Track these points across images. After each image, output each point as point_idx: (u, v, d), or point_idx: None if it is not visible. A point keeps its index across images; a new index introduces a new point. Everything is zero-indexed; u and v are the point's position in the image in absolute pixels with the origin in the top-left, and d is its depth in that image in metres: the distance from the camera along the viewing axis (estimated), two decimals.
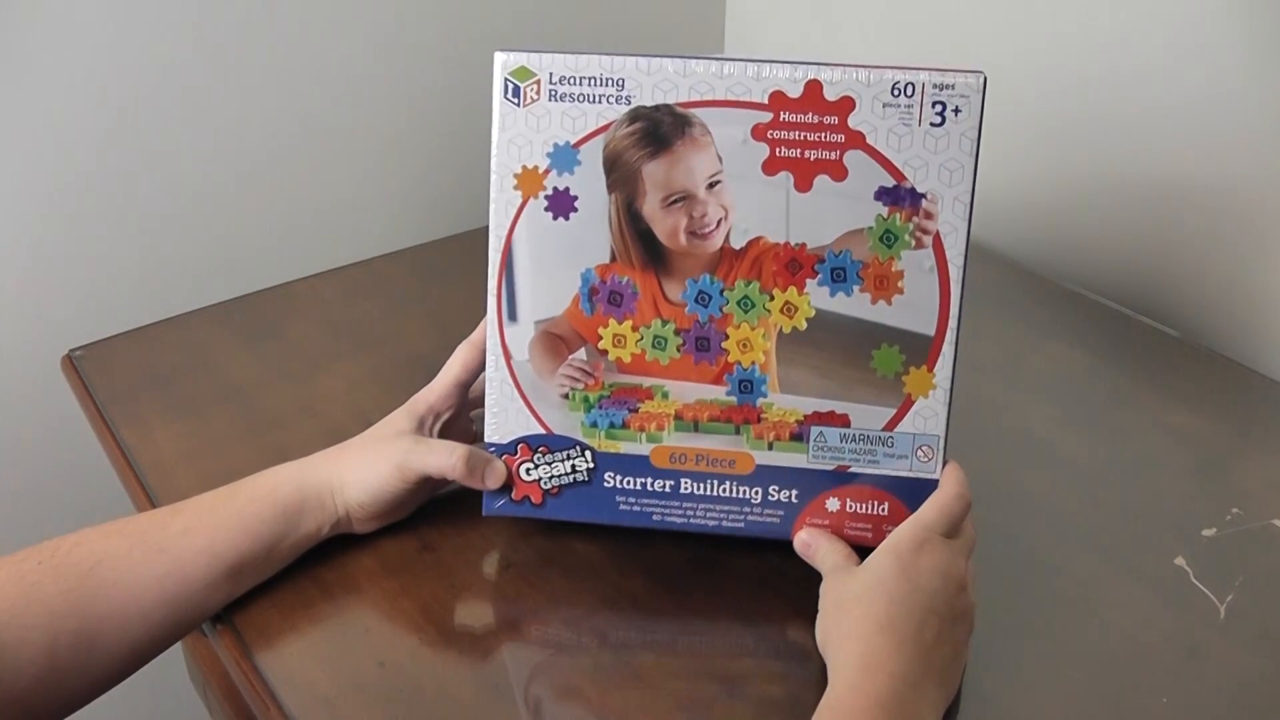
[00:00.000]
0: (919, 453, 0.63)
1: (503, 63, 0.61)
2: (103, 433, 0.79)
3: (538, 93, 0.61)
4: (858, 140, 0.60)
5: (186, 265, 1.03)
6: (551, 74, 0.60)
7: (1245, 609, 0.63)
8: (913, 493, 0.63)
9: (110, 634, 0.58)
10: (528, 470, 0.65)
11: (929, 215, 0.60)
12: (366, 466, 0.65)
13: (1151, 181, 0.94)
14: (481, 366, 0.67)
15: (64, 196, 0.96)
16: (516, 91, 0.61)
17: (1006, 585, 0.65)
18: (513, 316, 0.64)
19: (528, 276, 0.63)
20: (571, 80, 0.60)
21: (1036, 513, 0.71)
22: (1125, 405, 0.82)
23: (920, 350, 0.62)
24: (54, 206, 0.95)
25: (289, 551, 0.64)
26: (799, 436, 0.63)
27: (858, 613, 0.55)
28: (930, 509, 0.60)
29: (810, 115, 0.60)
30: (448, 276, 0.97)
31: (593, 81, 0.60)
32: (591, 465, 0.65)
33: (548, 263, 0.63)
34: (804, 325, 0.62)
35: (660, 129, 0.60)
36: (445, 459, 0.64)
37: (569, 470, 0.65)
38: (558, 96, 0.61)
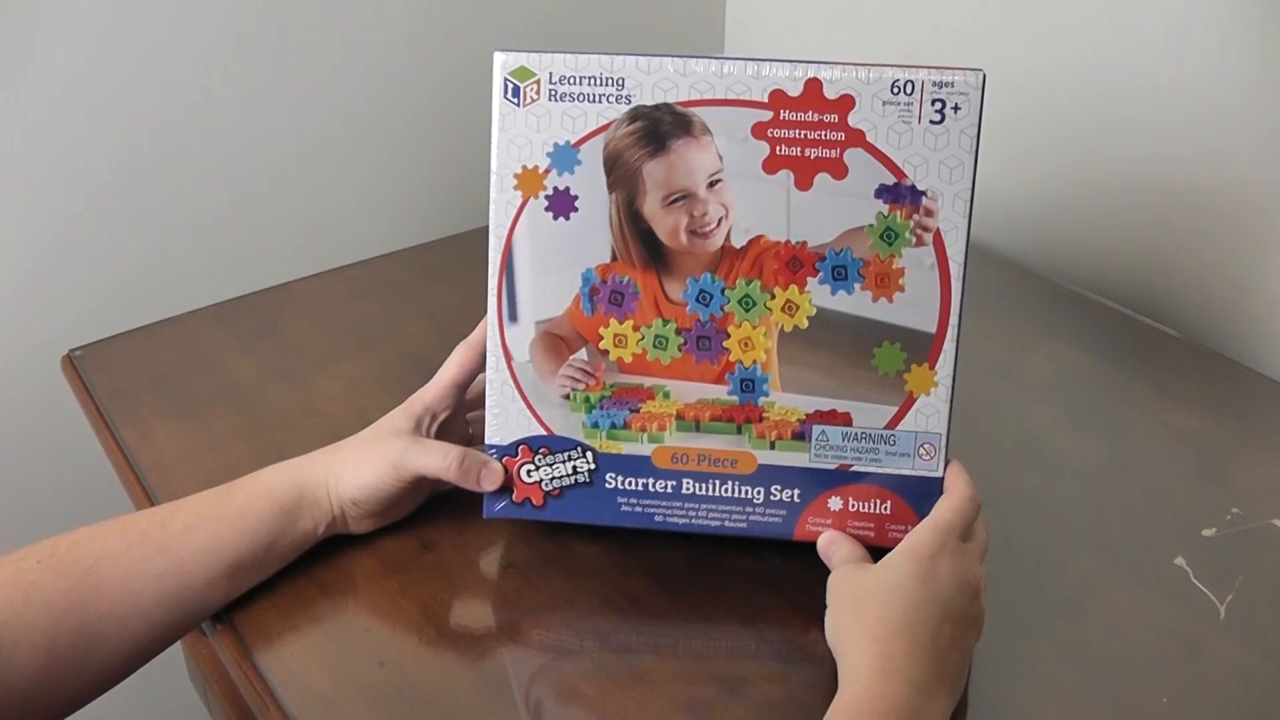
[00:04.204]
0: (921, 451, 0.63)
1: (502, 63, 0.61)
2: (103, 433, 0.79)
3: (538, 93, 0.61)
4: (858, 138, 0.60)
5: (186, 265, 1.03)
6: (551, 74, 0.60)
7: (1245, 609, 0.63)
8: (915, 491, 0.63)
9: (110, 632, 0.58)
10: (529, 472, 0.65)
11: (929, 213, 0.60)
12: (362, 465, 0.65)
13: (1152, 181, 0.94)
14: (479, 368, 0.67)
15: (64, 196, 0.96)
16: (516, 91, 0.61)
17: (1006, 585, 0.65)
18: (513, 317, 0.63)
19: (528, 277, 0.63)
20: (571, 80, 0.60)
21: (1036, 513, 0.71)
22: (1125, 405, 0.82)
23: (922, 348, 0.62)
24: (54, 206, 0.95)
25: (287, 550, 0.64)
26: (801, 435, 0.63)
27: (875, 614, 0.55)
28: (946, 512, 0.59)
29: (810, 114, 0.60)
30: (448, 276, 0.97)
31: (593, 81, 0.60)
32: (593, 466, 0.64)
33: (548, 263, 0.62)
34: (805, 324, 0.62)
35: (660, 128, 0.60)
36: (440, 460, 0.64)
37: (570, 472, 0.65)
38: (558, 96, 0.61)
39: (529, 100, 0.61)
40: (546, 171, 0.61)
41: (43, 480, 1.02)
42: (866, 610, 0.56)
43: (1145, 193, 0.94)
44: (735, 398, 0.63)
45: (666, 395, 0.63)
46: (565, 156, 0.61)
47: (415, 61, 1.10)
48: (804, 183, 0.60)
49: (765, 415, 0.63)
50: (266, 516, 0.62)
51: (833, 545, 0.62)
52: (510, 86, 0.61)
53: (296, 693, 0.59)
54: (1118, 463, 0.76)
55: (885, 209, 0.60)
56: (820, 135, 0.60)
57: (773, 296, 0.62)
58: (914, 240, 0.60)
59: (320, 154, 1.08)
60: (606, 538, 0.67)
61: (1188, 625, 0.63)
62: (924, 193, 0.60)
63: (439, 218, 1.13)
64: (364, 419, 0.69)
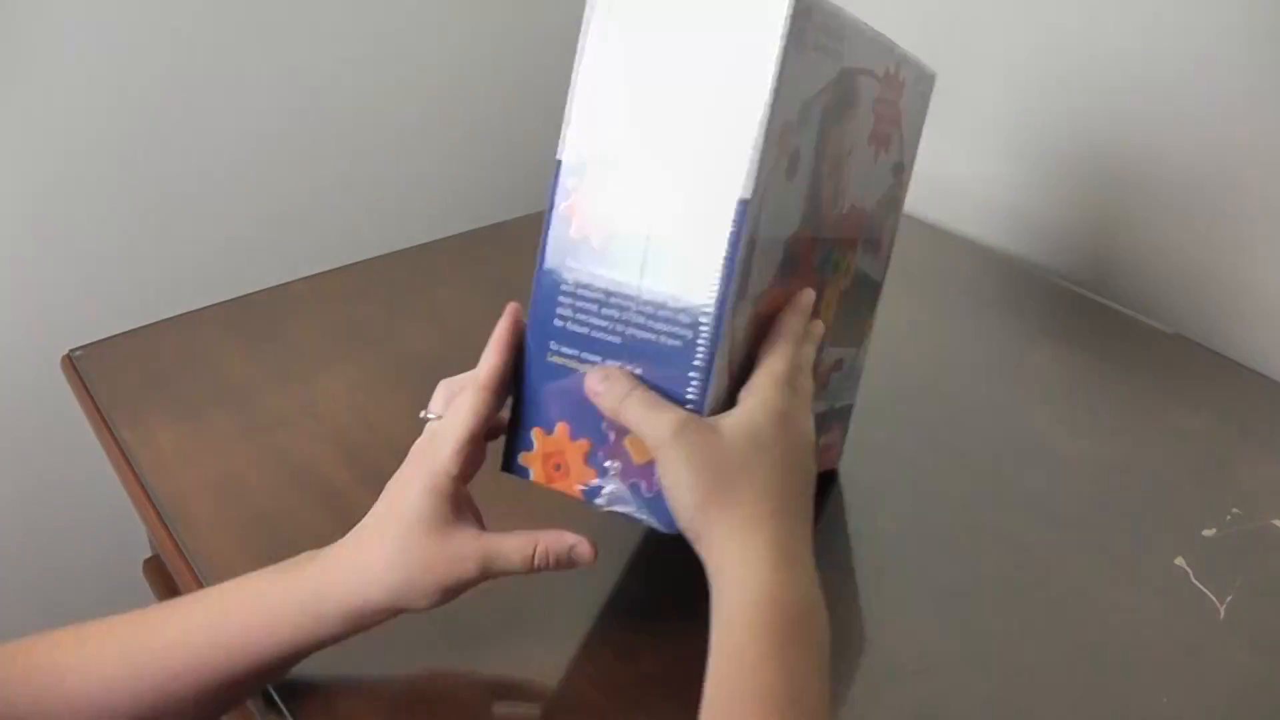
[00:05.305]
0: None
1: None
2: (103, 433, 0.79)
3: (809, 34, 0.50)
4: (901, 117, 0.63)
5: (186, 265, 1.04)
6: (816, 15, 0.50)
7: (1245, 609, 0.63)
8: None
9: None
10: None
11: (902, 184, 0.68)
12: (429, 591, 0.54)
13: (1151, 181, 0.94)
14: (496, 410, 0.55)
15: (64, 196, 0.96)
16: (802, 32, 0.49)
17: (1007, 585, 0.65)
18: (742, 294, 0.52)
19: (763, 247, 0.53)
20: (824, 29, 0.51)
21: (1036, 513, 0.71)
22: (1125, 405, 0.82)
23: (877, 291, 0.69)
24: (54, 206, 0.95)
25: (297, 658, 0.56)
26: (824, 385, 0.66)
27: (752, 492, 0.49)
28: (777, 360, 0.52)
29: (891, 93, 0.61)
30: (448, 276, 0.96)
31: (828, 32, 0.52)
32: None
33: (773, 230, 0.53)
34: (849, 286, 0.64)
35: (846, 95, 0.55)
36: (523, 562, 0.54)
37: None
38: (817, 46, 0.51)
39: (807, 44, 0.49)
40: (795, 128, 0.52)
41: (43, 481, 1.02)
42: (739, 487, 0.48)
43: (1145, 193, 0.94)
44: None
45: None
46: (808, 113, 0.52)
47: (417, 61, 1.10)
48: (877, 155, 0.62)
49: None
50: (280, 639, 0.54)
51: (609, 384, 0.51)
52: (795, 26, 0.48)
53: (296, 692, 0.59)
54: (1118, 463, 0.76)
55: (894, 181, 0.65)
56: (889, 112, 0.62)
57: (844, 261, 0.63)
58: (898, 206, 0.68)
59: (321, 155, 1.08)
60: (607, 538, 0.67)
61: (1188, 625, 0.63)
62: (904, 166, 0.66)
63: (439, 218, 1.13)
64: (364, 419, 0.69)
